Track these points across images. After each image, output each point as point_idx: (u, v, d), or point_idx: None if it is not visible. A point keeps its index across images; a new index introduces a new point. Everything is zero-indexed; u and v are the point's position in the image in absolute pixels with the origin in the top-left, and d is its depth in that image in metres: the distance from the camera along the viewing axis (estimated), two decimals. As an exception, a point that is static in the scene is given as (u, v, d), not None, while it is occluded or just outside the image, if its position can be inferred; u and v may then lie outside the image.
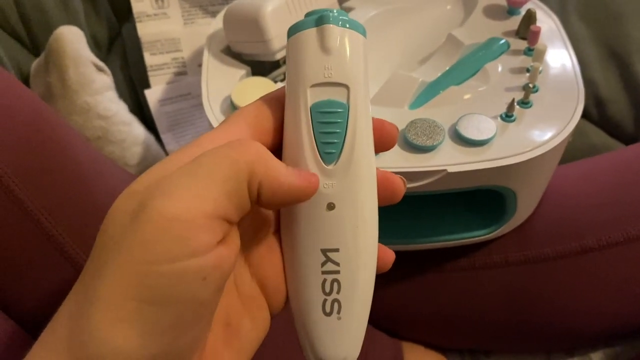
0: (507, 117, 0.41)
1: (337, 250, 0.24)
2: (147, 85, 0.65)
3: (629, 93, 0.61)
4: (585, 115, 0.62)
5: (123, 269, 0.19)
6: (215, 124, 0.43)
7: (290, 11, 0.46)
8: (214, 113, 0.43)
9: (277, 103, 0.25)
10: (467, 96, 0.43)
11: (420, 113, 0.42)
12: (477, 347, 0.56)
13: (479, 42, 0.47)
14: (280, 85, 0.47)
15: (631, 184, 0.48)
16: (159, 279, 0.19)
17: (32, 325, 0.42)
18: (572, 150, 0.59)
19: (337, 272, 0.24)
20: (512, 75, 0.44)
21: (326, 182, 0.24)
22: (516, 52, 0.47)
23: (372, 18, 0.51)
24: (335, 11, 0.24)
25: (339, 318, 0.24)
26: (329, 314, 0.24)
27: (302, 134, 0.24)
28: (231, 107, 0.43)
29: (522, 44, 0.47)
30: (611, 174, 0.50)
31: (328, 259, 0.24)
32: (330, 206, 0.24)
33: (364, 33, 0.25)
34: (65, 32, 0.57)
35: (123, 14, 0.69)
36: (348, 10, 0.52)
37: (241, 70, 0.47)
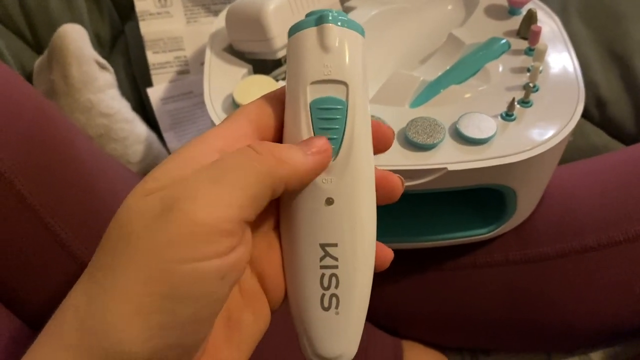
0: (508, 116, 0.41)
1: (335, 245, 0.24)
2: (150, 84, 0.66)
3: (629, 94, 0.61)
4: (586, 115, 0.62)
5: (146, 265, 0.20)
6: (217, 122, 0.43)
7: (292, 10, 0.46)
8: (215, 111, 0.44)
9: (278, 101, 0.25)
10: (467, 95, 0.43)
11: (421, 112, 0.42)
12: (477, 345, 0.56)
13: (479, 42, 0.47)
14: (282, 83, 0.47)
15: (632, 184, 0.48)
16: (181, 276, 0.20)
17: (35, 321, 0.43)
18: (573, 151, 0.59)
19: (336, 267, 0.24)
20: (513, 75, 0.45)
21: (325, 177, 0.24)
22: (517, 52, 0.47)
23: (374, 17, 0.51)
24: (334, 11, 0.24)
25: (337, 313, 0.24)
26: (327, 309, 0.24)
27: (301, 129, 0.24)
28: (233, 106, 0.44)
29: (523, 44, 0.47)
30: (612, 174, 0.50)
31: (326, 254, 0.24)
32: (329, 201, 0.24)
33: (362, 33, 0.25)
34: (68, 30, 0.57)
35: (126, 13, 0.69)
36: (350, 9, 0.52)
37: (243, 69, 0.48)
